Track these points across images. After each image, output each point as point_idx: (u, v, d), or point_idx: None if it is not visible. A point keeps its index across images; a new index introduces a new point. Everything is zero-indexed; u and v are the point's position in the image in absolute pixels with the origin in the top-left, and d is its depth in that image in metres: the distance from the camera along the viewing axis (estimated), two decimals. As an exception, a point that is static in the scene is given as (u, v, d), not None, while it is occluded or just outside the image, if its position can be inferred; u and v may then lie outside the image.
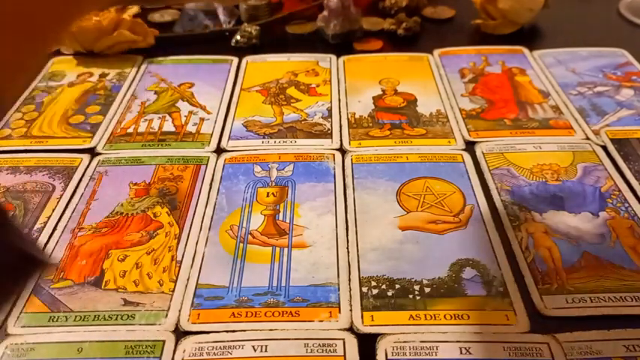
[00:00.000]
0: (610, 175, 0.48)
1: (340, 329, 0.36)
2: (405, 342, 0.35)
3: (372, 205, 0.45)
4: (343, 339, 0.36)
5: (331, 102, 0.58)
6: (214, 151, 0.52)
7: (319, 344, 0.35)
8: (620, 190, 0.46)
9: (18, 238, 0.17)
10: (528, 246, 0.42)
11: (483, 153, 0.50)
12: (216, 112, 0.57)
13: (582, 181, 0.47)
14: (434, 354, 0.34)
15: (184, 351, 0.35)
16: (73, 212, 0.45)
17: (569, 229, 0.43)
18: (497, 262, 0.40)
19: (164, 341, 0.36)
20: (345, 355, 0.35)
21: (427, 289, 0.38)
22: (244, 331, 0.36)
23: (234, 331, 0.36)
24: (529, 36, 0.69)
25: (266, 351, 0.35)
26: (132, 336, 0.36)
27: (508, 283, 0.39)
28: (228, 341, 0.36)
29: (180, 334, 0.36)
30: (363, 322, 0.36)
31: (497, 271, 0.40)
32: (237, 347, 0.35)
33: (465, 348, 0.35)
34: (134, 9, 0.66)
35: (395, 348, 0.35)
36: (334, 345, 0.35)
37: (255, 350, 0.35)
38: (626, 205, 0.45)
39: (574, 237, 0.42)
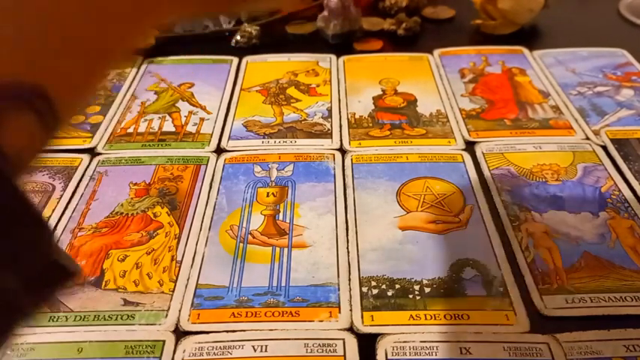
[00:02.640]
0: (610, 175, 0.48)
1: (340, 329, 0.36)
2: (405, 342, 0.35)
3: (372, 205, 0.45)
4: (343, 339, 0.35)
5: (331, 102, 0.58)
6: (214, 151, 0.52)
7: (319, 344, 0.35)
8: (620, 190, 0.46)
9: (51, 247, 0.17)
10: (528, 246, 0.41)
11: (483, 153, 0.50)
12: (216, 112, 0.57)
13: (582, 181, 0.47)
14: (434, 354, 0.34)
15: (184, 351, 0.35)
16: (73, 212, 0.45)
17: (569, 229, 0.43)
18: (498, 262, 0.40)
19: (164, 341, 0.36)
20: (345, 355, 0.35)
21: (427, 289, 0.38)
22: (244, 331, 0.36)
23: (234, 331, 0.36)
24: (529, 36, 0.69)
25: (266, 351, 0.35)
26: (132, 336, 0.36)
27: (508, 283, 0.39)
28: (228, 341, 0.36)
29: (180, 334, 0.36)
30: (363, 322, 0.36)
31: (498, 271, 0.40)
32: (237, 347, 0.35)
33: (465, 348, 0.35)
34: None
35: (395, 348, 0.35)
36: (334, 345, 0.35)
37: (255, 350, 0.35)
38: (626, 205, 0.45)
39: (574, 237, 0.42)
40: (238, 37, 0.69)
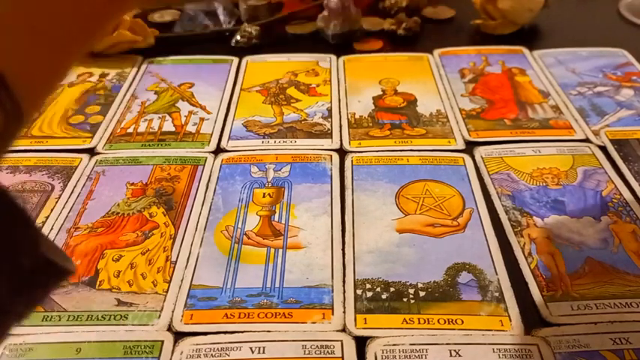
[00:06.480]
0: (610, 179, 0.47)
1: (332, 331, 0.36)
2: (394, 345, 0.35)
3: (371, 207, 0.45)
4: (341, 340, 0.35)
5: (331, 102, 0.58)
6: (214, 151, 0.52)
7: (317, 346, 0.35)
8: (620, 194, 0.46)
9: (44, 245, 0.17)
10: (531, 252, 0.41)
11: (482, 157, 0.50)
12: (216, 112, 0.57)
13: (583, 185, 0.47)
14: (423, 357, 0.34)
15: (182, 352, 0.35)
16: (69, 212, 0.45)
17: (571, 235, 0.42)
18: (495, 266, 0.40)
19: (162, 342, 0.36)
20: (342, 357, 0.34)
21: (422, 293, 0.38)
22: (242, 332, 0.36)
23: (232, 333, 0.36)
24: (529, 36, 0.69)
25: (264, 352, 0.35)
26: (130, 336, 0.36)
27: (504, 288, 0.38)
28: (225, 342, 0.35)
29: (178, 334, 0.36)
30: (356, 325, 0.36)
31: (494, 275, 0.39)
32: (235, 349, 0.35)
33: (455, 350, 0.34)
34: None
35: (384, 351, 0.35)
36: (332, 347, 0.35)
37: (252, 352, 0.35)
38: (628, 208, 0.44)
39: (577, 242, 0.42)
40: (238, 37, 0.68)
